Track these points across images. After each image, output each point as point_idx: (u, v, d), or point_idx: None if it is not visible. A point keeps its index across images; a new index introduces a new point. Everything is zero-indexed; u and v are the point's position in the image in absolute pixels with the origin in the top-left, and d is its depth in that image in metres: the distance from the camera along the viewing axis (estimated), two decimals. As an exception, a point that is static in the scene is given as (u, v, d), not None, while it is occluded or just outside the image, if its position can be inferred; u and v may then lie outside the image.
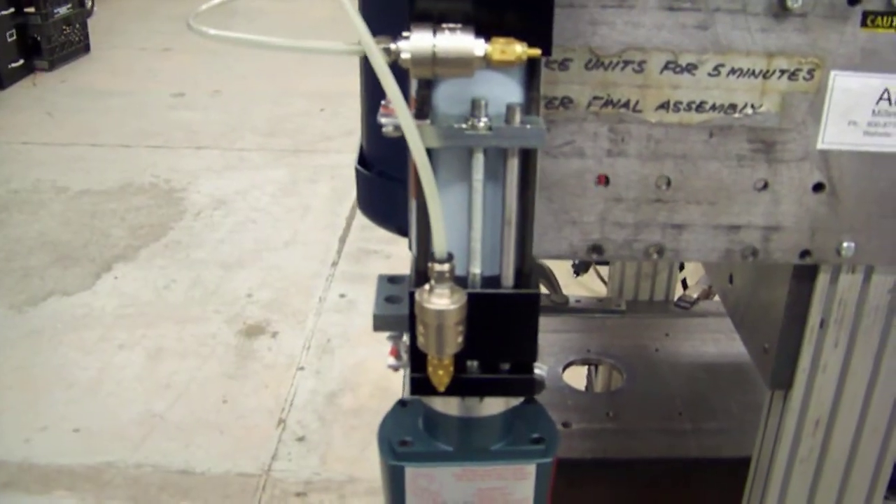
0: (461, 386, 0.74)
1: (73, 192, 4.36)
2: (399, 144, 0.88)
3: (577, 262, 2.23)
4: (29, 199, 4.29)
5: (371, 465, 2.71)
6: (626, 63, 0.77)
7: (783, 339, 0.93)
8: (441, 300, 0.66)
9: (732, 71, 0.78)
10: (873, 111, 0.81)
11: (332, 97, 5.65)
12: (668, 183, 0.82)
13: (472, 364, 0.74)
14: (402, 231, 0.93)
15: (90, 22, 6.63)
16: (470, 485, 0.83)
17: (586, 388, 1.74)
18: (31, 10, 5.82)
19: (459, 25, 0.62)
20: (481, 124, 0.65)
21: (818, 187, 0.83)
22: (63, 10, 6.06)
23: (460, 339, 0.68)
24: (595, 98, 0.78)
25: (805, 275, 0.89)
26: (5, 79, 5.68)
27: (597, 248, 0.85)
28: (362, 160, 0.94)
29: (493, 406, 0.81)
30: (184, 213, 4.15)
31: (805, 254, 0.86)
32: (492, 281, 0.72)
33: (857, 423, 0.96)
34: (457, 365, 0.73)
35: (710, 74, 0.78)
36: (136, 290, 3.56)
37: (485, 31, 0.63)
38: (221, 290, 3.56)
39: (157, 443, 2.76)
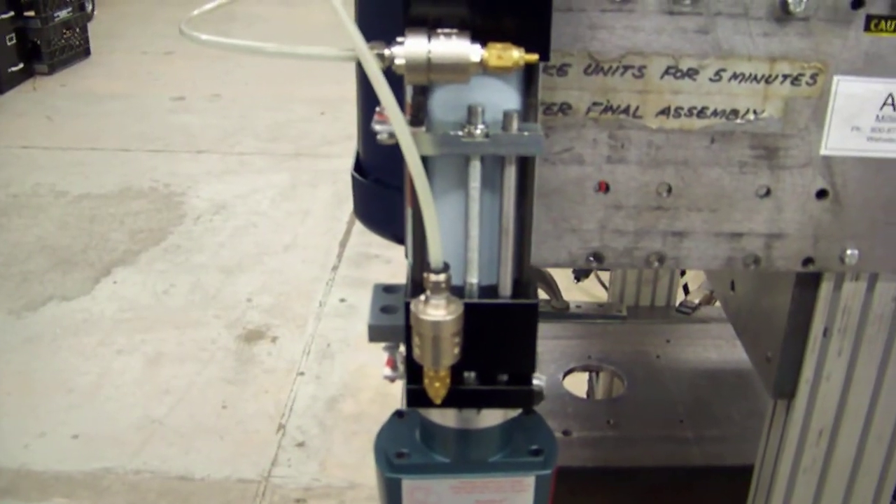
0: (458, 397, 0.72)
1: (73, 196, 4.35)
2: (395, 152, 0.87)
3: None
4: (28, 203, 4.28)
5: (372, 472, 2.69)
6: (626, 68, 0.76)
7: (786, 348, 0.91)
8: (437, 311, 0.65)
9: (734, 76, 0.77)
10: (877, 117, 0.79)
11: (333, 102, 5.63)
12: (669, 190, 0.81)
13: (470, 375, 0.73)
14: (399, 239, 0.91)
15: (90, 26, 6.62)
16: (468, 497, 0.82)
17: (587, 394, 1.72)
18: (32, 13, 5.81)
19: (455, 31, 0.60)
20: (478, 131, 0.64)
21: (821, 194, 0.82)
22: (63, 14, 6.05)
23: (457, 351, 0.67)
24: (594, 104, 0.77)
25: (808, 282, 0.88)
26: (5, 83, 5.67)
27: (597, 256, 0.83)
28: (358, 167, 0.93)
29: (491, 417, 0.79)
30: (183, 217, 4.14)
31: (808, 261, 0.85)
32: (489, 291, 0.71)
33: (861, 432, 0.94)
34: (454, 376, 0.72)
35: (711, 80, 0.77)
36: (135, 294, 3.55)
37: (481, 37, 0.62)
38: (221, 295, 3.54)
39: (156, 448, 2.74)
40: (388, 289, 0.77)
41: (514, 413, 0.80)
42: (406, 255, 0.81)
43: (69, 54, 6.21)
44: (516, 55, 0.61)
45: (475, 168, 0.66)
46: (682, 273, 1.99)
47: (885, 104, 0.79)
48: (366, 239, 4.03)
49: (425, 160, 0.67)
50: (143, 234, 4.00)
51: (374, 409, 2.98)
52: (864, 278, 0.87)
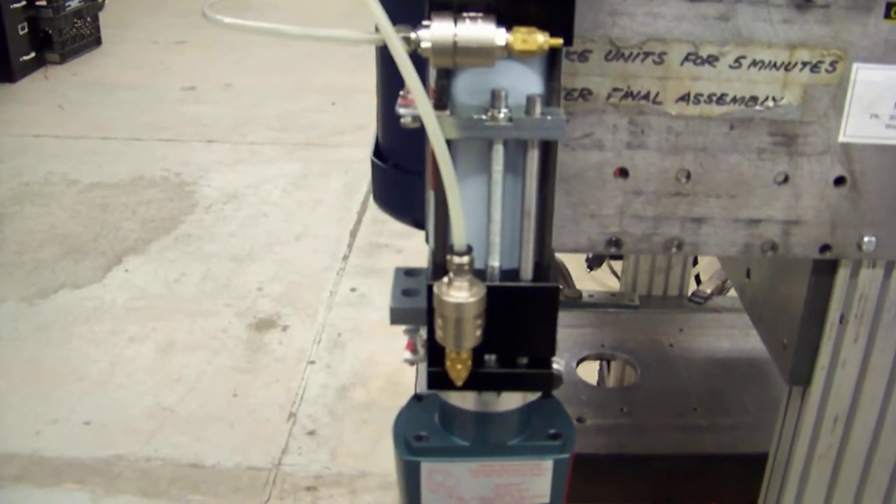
0: (478, 380, 0.73)
1: (84, 184, 4.36)
2: (415, 136, 0.88)
3: (590, 256, 2.21)
4: (40, 191, 4.30)
5: (382, 460, 2.71)
6: (647, 54, 0.76)
7: (802, 335, 0.92)
8: (460, 293, 0.66)
9: (754, 63, 0.77)
10: (896, 104, 0.80)
11: (344, 92, 5.64)
12: (688, 176, 0.81)
13: (490, 358, 0.74)
14: (418, 223, 0.92)
15: (101, 15, 6.64)
16: (486, 480, 0.82)
17: (598, 383, 1.73)
18: (43, 3, 5.82)
19: (481, 14, 0.61)
20: (501, 115, 0.65)
21: (839, 181, 0.82)
22: (74, 4, 6.06)
23: (479, 333, 0.68)
24: (615, 90, 0.78)
25: (825, 269, 0.88)
26: (17, 72, 5.69)
27: (615, 242, 0.84)
28: (378, 152, 0.93)
29: (510, 401, 0.80)
30: (195, 206, 4.15)
31: (825, 248, 0.85)
32: (510, 274, 0.72)
33: (877, 419, 0.95)
34: (474, 359, 0.72)
35: (731, 66, 0.77)
36: (146, 283, 3.56)
37: (506, 21, 0.62)
38: (232, 284, 3.56)
39: (167, 436, 2.76)
40: (410, 272, 0.78)
41: (532, 397, 0.81)
42: (426, 240, 0.82)
43: (80, 44, 6.23)
44: (541, 39, 0.61)
45: (498, 152, 0.67)
46: (695, 263, 2.00)
47: (904, 92, 0.79)
48: (376, 228, 4.04)
49: (449, 144, 0.67)
50: (154, 222, 4.01)
51: (384, 398, 2.99)
52: (881, 266, 0.87)
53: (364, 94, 5.62)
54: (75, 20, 6.13)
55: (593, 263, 2.30)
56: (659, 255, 1.65)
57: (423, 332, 0.78)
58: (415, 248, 3.88)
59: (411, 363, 0.80)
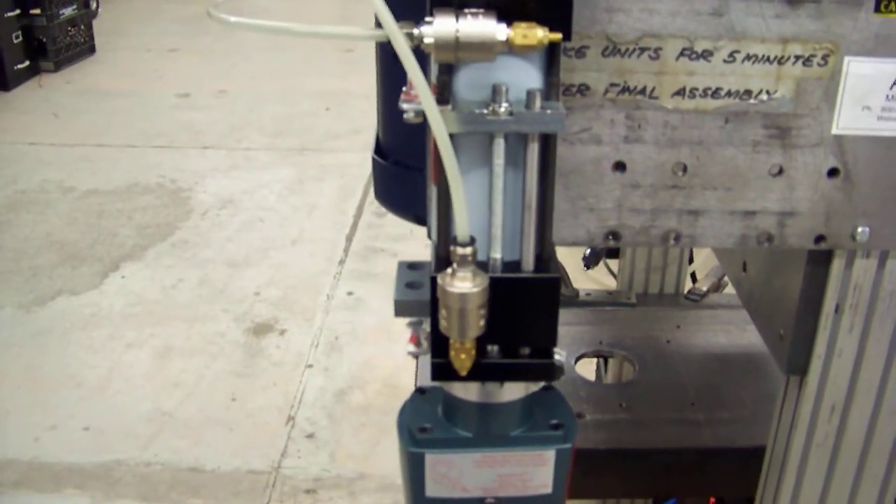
0: (482, 371, 0.74)
1: (80, 192, 4.37)
2: (416, 133, 0.89)
3: (587, 255, 2.23)
4: (36, 199, 4.31)
5: (381, 462, 2.72)
6: (643, 50, 0.78)
7: (798, 325, 0.93)
8: (463, 283, 0.67)
9: (748, 57, 0.79)
10: (887, 96, 0.81)
11: (338, 96, 5.66)
12: (685, 169, 0.83)
13: (493, 349, 0.75)
14: (420, 219, 0.93)
15: (95, 23, 6.65)
16: (490, 471, 0.83)
17: (596, 379, 1.74)
18: (37, 11, 5.84)
19: (482, 10, 0.62)
20: (502, 110, 0.66)
21: (833, 172, 0.84)
22: (68, 12, 6.08)
23: (482, 323, 0.69)
24: (612, 85, 0.79)
25: (820, 260, 0.90)
26: (11, 80, 5.70)
27: (614, 235, 0.85)
28: (378, 149, 0.95)
29: (513, 392, 0.81)
30: (190, 212, 4.17)
31: (820, 239, 0.86)
32: (512, 266, 0.73)
33: (873, 407, 0.96)
34: (477, 350, 0.73)
35: (725, 61, 0.79)
36: (143, 289, 3.57)
37: (506, 17, 0.64)
38: (229, 289, 3.57)
39: (166, 441, 2.77)
40: (413, 265, 0.79)
41: (535, 387, 0.82)
42: (429, 234, 0.83)
43: (74, 51, 6.24)
44: (541, 34, 0.63)
45: (499, 145, 0.68)
46: (690, 261, 2.01)
47: (895, 84, 0.81)
48: (372, 233, 4.06)
49: (451, 138, 0.69)
50: (150, 229, 4.03)
51: (381, 401, 3.00)
52: (874, 256, 0.89)
53: (358, 99, 5.65)
54: (69, 28, 6.15)
55: (590, 262, 2.31)
56: (656, 249, 1.66)
57: (427, 325, 0.79)
58: (410, 252, 3.90)
59: (414, 356, 0.81)
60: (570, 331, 1.60)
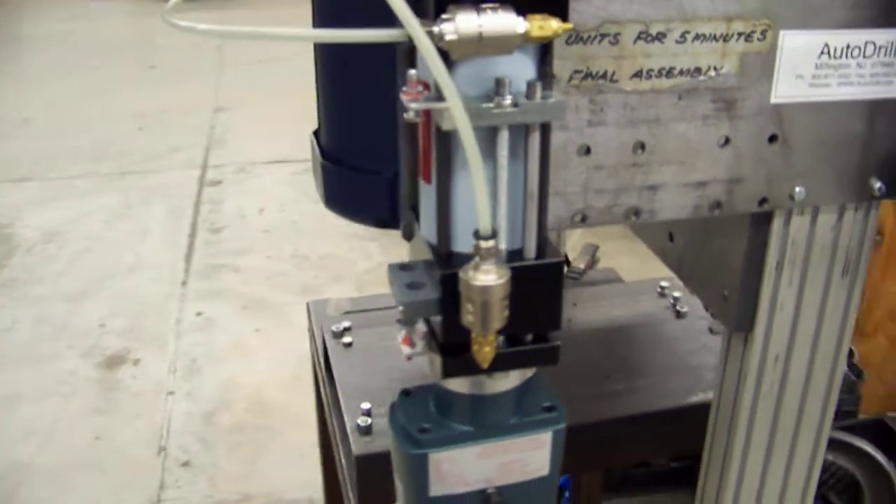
0: (493, 362, 0.75)
1: None
2: (371, 135, 0.89)
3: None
4: None
5: (263, 481, 2.67)
6: (603, 36, 0.81)
7: (743, 285, 0.99)
8: (488, 276, 0.68)
9: (697, 37, 0.83)
10: (816, 65, 0.88)
11: (150, 115, 5.49)
12: (643, 147, 0.87)
13: (499, 339, 0.76)
14: (382, 222, 0.93)
15: None
16: (491, 461, 0.85)
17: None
18: None
19: (499, 5, 0.63)
20: (507, 102, 0.67)
21: (772, 139, 0.90)
22: None
23: (506, 314, 0.70)
24: (576, 72, 0.82)
25: (761, 221, 0.96)
26: None
27: (581, 217, 0.88)
28: (325, 155, 0.94)
29: (509, 380, 0.83)
30: (15, 249, 3.94)
31: (763, 201, 0.92)
32: (515, 255, 0.75)
33: (810, 354, 1.04)
34: (483, 342, 0.74)
35: (677, 41, 0.83)
36: (-25, 335, 3.37)
37: (517, 9, 0.65)
38: (71, 324, 3.40)
39: (29, 493, 2.62)
40: (404, 267, 0.79)
41: (529, 374, 0.84)
42: (411, 233, 0.83)
43: None
44: (555, 25, 0.64)
45: (503, 138, 0.69)
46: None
47: (822, 53, 0.87)
48: (211, 250, 3.97)
49: (450, 135, 0.69)
50: (-29, 271, 3.79)
51: (251, 419, 2.95)
52: (808, 213, 0.96)
53: (172, 115, 5.49)
54: None
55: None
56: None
57: (421, 326, 0.79)
58: (253, 265, 3.84)
59: (409, 357, 0.81)
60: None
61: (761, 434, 1.07)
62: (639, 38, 0.82)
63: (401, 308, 0.75)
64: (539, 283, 0.75)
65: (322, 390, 1.63)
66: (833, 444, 1.86)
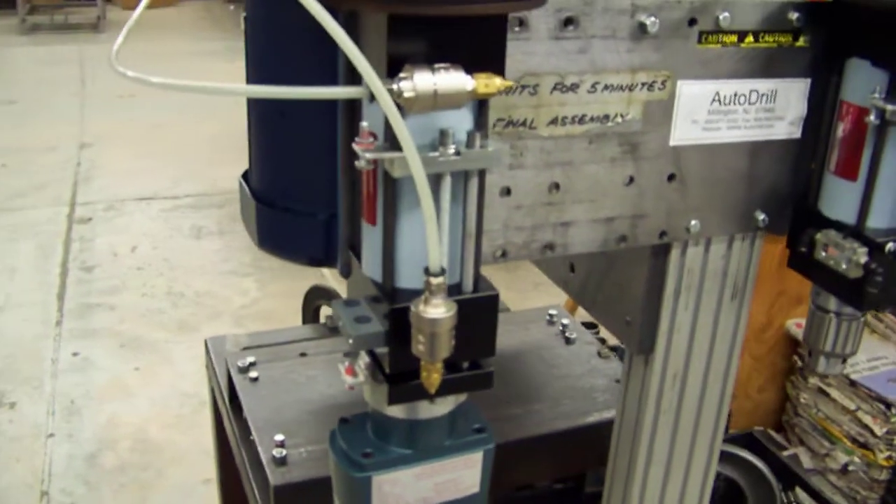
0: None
1: None
2: (306, 180, 0.95)
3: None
4: None
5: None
6: (524, 87, 0.89)
7: (645, 310, 1.08)
8: (438, 310, 0.74)
9: (606, 87, 0.92)
10: (708, 111, 0.98)
11: (11, 153, 5.34)
12: (557, 187, 0.95)
13: (437, 367, 0.82)
14: (315, 261, 0.99)
15: None
16: (428, 481, 0.91)
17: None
18: None
19: (450, 65, 0.70)
20: (450, 151, 0.74)
21: (671, 177, 0.99)
22: None
23: (453, 343, 0.76)
24: (499, 120, 0.89)
25: (660, 252, 1.05)
26: None
27: (502, 253, 0.96)
28: (259, 198, 0.99)
29: (445, 405, 0.89)
30: None
31: (663, 234, 1.02)
32: (454, 289, 0.81)
33: (705, 372, 1.14)
34: (419, 371, 0.81)
35: (588, 91, 0.92)
36: None
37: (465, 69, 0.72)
38: (-60, 368, 3.29)
39: None
40: (349, 303, 0.84)
41: (462, 398, 0.91)
42: (341, 272, 0.89)
43: None
44: (499, 82, 0.72)
45: (447, 183, 0.76)
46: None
47: (713, 100, 0.98)
48: (83, 288, 3.89)
49: (397, 182, 0.76)
50: None
51: (136, 458, 2.92)
52: (702, 243, 1.06)
53: (34, 153, 5.35)
54: None
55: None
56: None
57: (364, 358, 0.85)
58: (128, 303, 3.78)
59: (352, 387, 0.86)
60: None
61: (662, 449, 1.16)
62: (555, 88, 0.90)
63: (350, 341, 0.80)
64: (477, 315, 0.82)
65: (228, 424, 1.64)
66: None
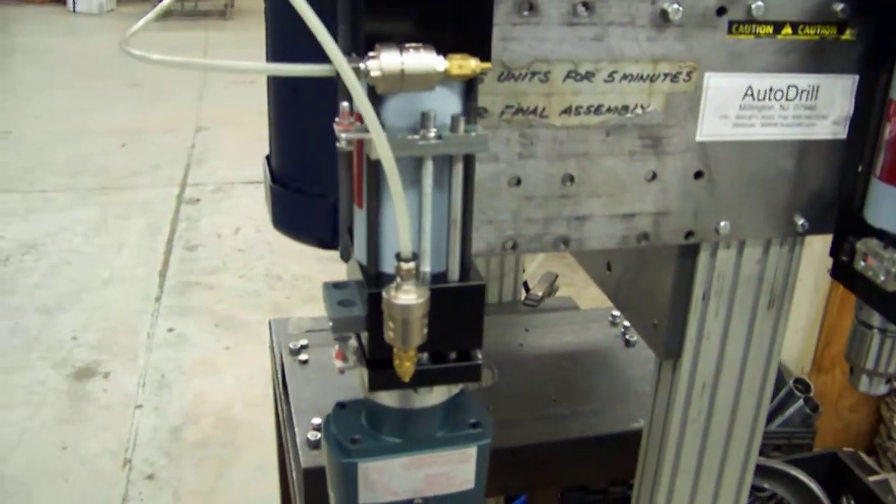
0: (415, 377, 0.79)
1: None
2: (316, 161, 0.94)
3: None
4: None
5: (226, 496, 2.69)
6: (534, 74, 0.86)
7: (671, 314, 1.04)
8: (408, 296, 0.72)
9: (624, 76, 0.88)
10: (740, 106, 0.93)
11: (132, 133, 5.53)
12: (572, 179, 0.91)
13: (422, 356, 0.80)
14: (323, 243, 0.98)
15: None
16: (418, 473, 0.89)
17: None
18: None
19: (421, 45, 0.68)
20: (431, 134, 0.72)
21: (698, 175, 0.94)
22: None
23: (425, 331, 0.74)
24: (507, 107, 0.86)
25: (688, 253, 1.00)
26: None
27: (512, 244, 0.93)
28: (274, 178, 0.98)
29: (436, 396, 0.87)
30: (-10, 259, 3.97)
31: (689, 234, 0.97)
32: (439, 277, 0.79)
33: (737, 383, 1.08)
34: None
35: (605, 80, 0.88)
36: (-52, 343, 3.38)
37: (439, 49, 0.69)
38: (44, 336, 3.43)
39: (-6, 499, 2.64)
40: (338, 285, 0.83)
41: (455, 390, 0.88)
42: (342, 256, 0.88)
43: None
44: (474, 64, 0.69)
45: (428, 168, 0.74)
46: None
47: (745, 95, 0.92)
48: (185, 267, 4.00)
49: (378, 164, 0.74)
50: (-53, 280, 3.81)
51: (218, 434, 2.98)
52: (734, 246, 1.00)
53: (153, 134, 5.53)
54: None
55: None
56: (493, 259, 1.76)
57: (353, 342, 0.84)
58: (226, 283, 3.87)
59: (342, 371, 0.85)
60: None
61: (689, 459, 1.11)
62: (568, 76, 0.87)
63: (330, 324, 0.79)
64: (462, 304, 0.79)
65: (278, 406, 1.66)
66: (775, 475, 1.90)
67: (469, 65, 0.69)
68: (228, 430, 2.99)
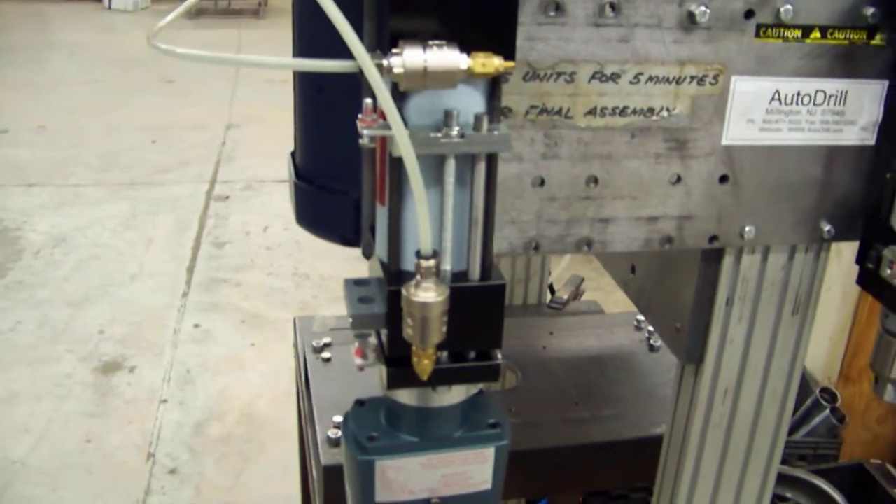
0: (434, 376, 0.79)
1: None
2: (340, 158, 0.94)
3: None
4: None
5: (247, 492, 2.70)
6: (559, 74, 0.85)
7: (694, 318, 1.03)
8: (428, 294, 0.72)
9: (650, 78, 0.88)
10: (767, 110, 0.92)
11: (163, 129, 5.57)
12: (596, 181, 0.91)
13: (442, 354, 0.80)
14: (346, 240, 0.98)
15: None
16: (435, 472, 0.88)
17: (480, 389, 1.81)
18: None
19: (444, 42, 0.68)
20: (454, 132, 0.72)
21: (723, 179, 0.94)
22: None
23: (444, 329, 0.74)
24: (532, 107, 0.86)
25: (712, 258, 1.00)
26: None
27: (534, 245, 0.92)
28: (298, 174, 0.99)
29: (455, 395, 0.87)
30: (22, 252, 4.01)
31: (713, 239, 0.96)
32: (460, 276, 0.79)
33: (760, 389, 1.07)
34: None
35: (631, 82, 0.87)
36: (-22, 334, 3.42)
37: (463, 47, 0.69)
38: (71, 329, 3.46)
39: (20, 490, 2.67)
40: (359, 282, 0.83)
41: (474, 390, 0.88)
42: (364, 253, 0.88)
43: None
44: (497, 63, 0.69)
45: (451, 166, 0.74)
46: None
47: (772, 99, 0.92)
48: (213, 264, 4.02)
49: (400, 161, 0.74)
50: (-22, 272, 3.85)
51: (240, 431, 2.99)
52: (759, 251, 0.99)
53: (184, 131, 5.57)
54: None
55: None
56: (519, 262, 1.76)
57: (373, 338, 0.84)
58: (253, 281, 3.89)
59: (361, 368, 0.85)
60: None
61: (710, 465, 1.10)
62: (593, 77, 0.86)
63: (350, 320, 0.79)
64: (482, 304, 0.79)
65: (300, 403, 1.67)
66: (800, 484, 1.89)
67: (492, 63, 0.69)
68: (251, 426, 3.01)
